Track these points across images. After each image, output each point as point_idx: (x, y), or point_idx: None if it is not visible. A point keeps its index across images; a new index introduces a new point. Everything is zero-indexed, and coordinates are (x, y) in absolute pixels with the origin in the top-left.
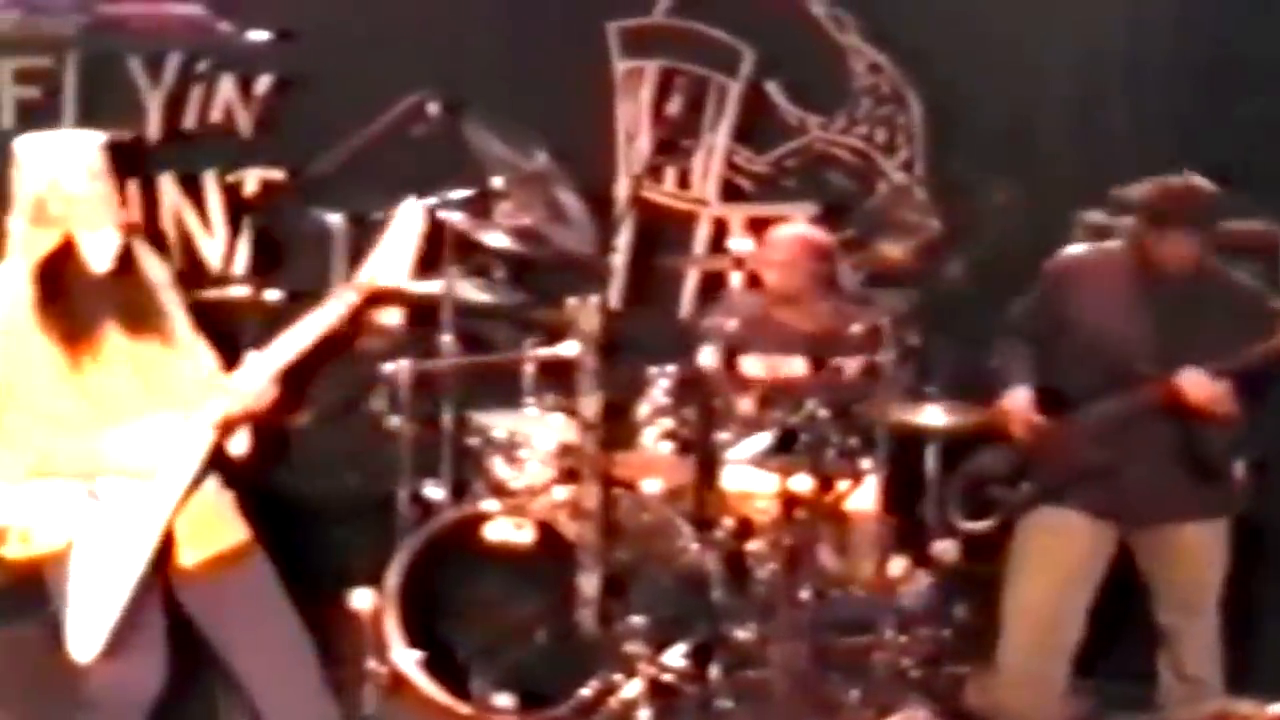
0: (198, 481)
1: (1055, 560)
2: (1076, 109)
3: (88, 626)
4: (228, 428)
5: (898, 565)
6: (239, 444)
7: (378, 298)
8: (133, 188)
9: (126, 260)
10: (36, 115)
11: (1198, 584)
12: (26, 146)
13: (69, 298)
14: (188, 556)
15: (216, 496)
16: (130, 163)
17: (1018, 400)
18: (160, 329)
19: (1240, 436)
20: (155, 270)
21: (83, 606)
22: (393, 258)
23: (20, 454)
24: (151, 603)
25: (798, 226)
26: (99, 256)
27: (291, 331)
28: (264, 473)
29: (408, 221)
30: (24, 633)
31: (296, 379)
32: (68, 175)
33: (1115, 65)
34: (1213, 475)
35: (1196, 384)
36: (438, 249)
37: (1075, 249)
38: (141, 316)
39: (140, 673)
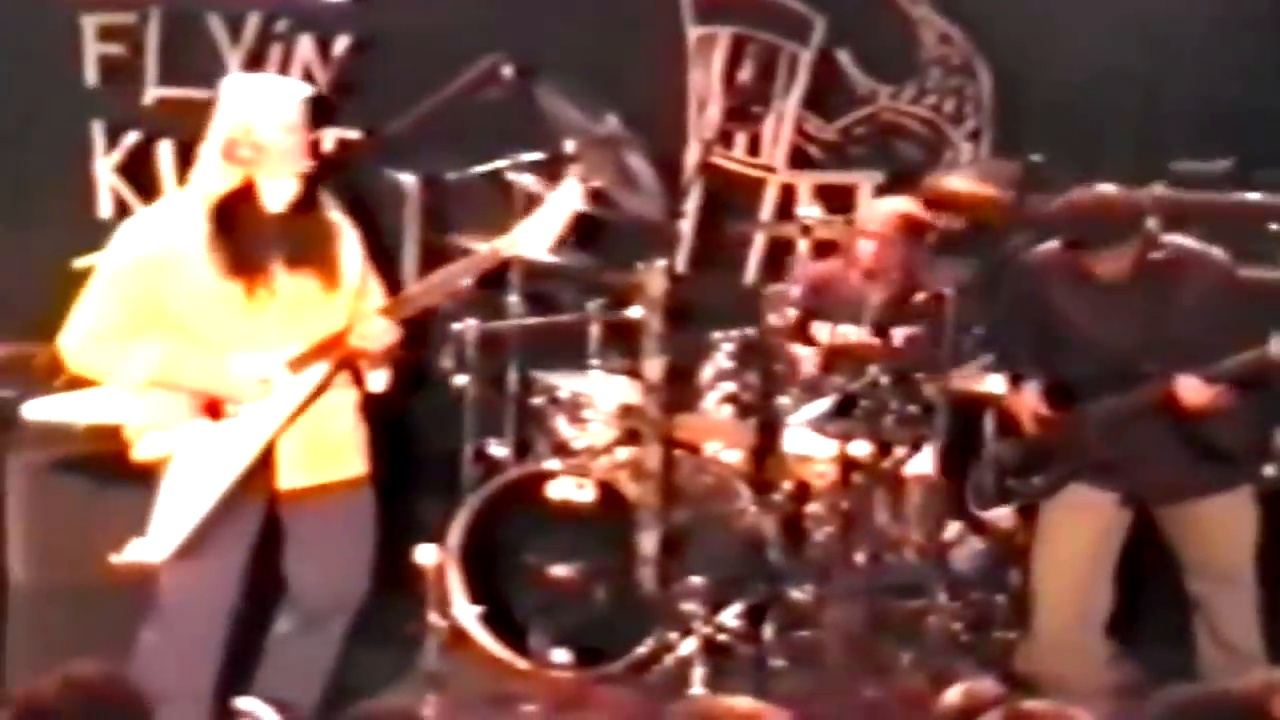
0: (303, 409)
1: (1076, 535)
2: (1145, 80)
3: (167, 530)
4: (354, 364)
5: (952, 530)
6: (378, 381)
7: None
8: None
9: (303, 204)
10: (119, 72)
11: (1224, 552)
12: (231, 85)
13: (240, 235)
14: (288, 480)
15: (348, 429)
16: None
17: (1028, 393)
18: (325, 272)
19: (1254, 417)
20: (335, 216)
21: (168, 511)
22: (541, 230)
23: (144, 358)
24: (237, 517)
25: (899, 201)
26: (275, 200)
27: (417, 286)
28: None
29: (566, 198)
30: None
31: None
32: (263, 123)
33: (1185, 38)
34: (1222, 452)
35: (1193, 390)
36: (508, 210)
37: (1044, 245)
38: (307, 259)
39: (207, 584)
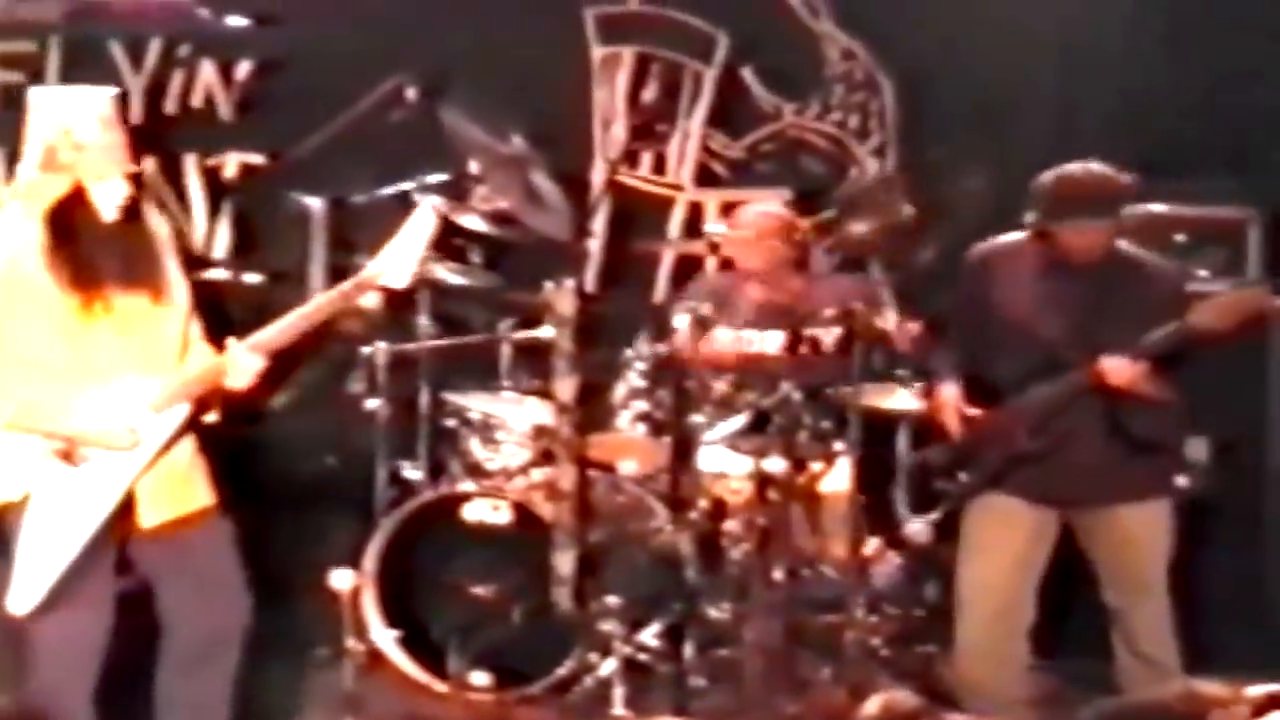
0: (165, 449)
1: (999, 545)
2: (1049, 94)
3: (30, 581)
4: (205, 403)
5: (870, 546)
6: (210, 414)
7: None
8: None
9: (132, 211)
10: (19, 99)
11: (1140, 564)
12: (40, 96)
13: (77, 244)
14: (149, 518)
15: (189, 461)
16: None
17: (948, 393)
18: (155, 284)
19: (1176, 417)
20: (158, 225)
21: (29, 561)
22: (401, 257)
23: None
24: (101, 562)
25: (764, 205)
26: (107, 205)
27: (282, 321)
28: (234, 441)
29: (421, 222)
30: None
31: (280, 361)
32: (80, 124)
33: (1088, 49)
34: (1148, 454)
35: (1117, 368)
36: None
37: (996, 240)
38: (139, 270)
39: (78, 631)
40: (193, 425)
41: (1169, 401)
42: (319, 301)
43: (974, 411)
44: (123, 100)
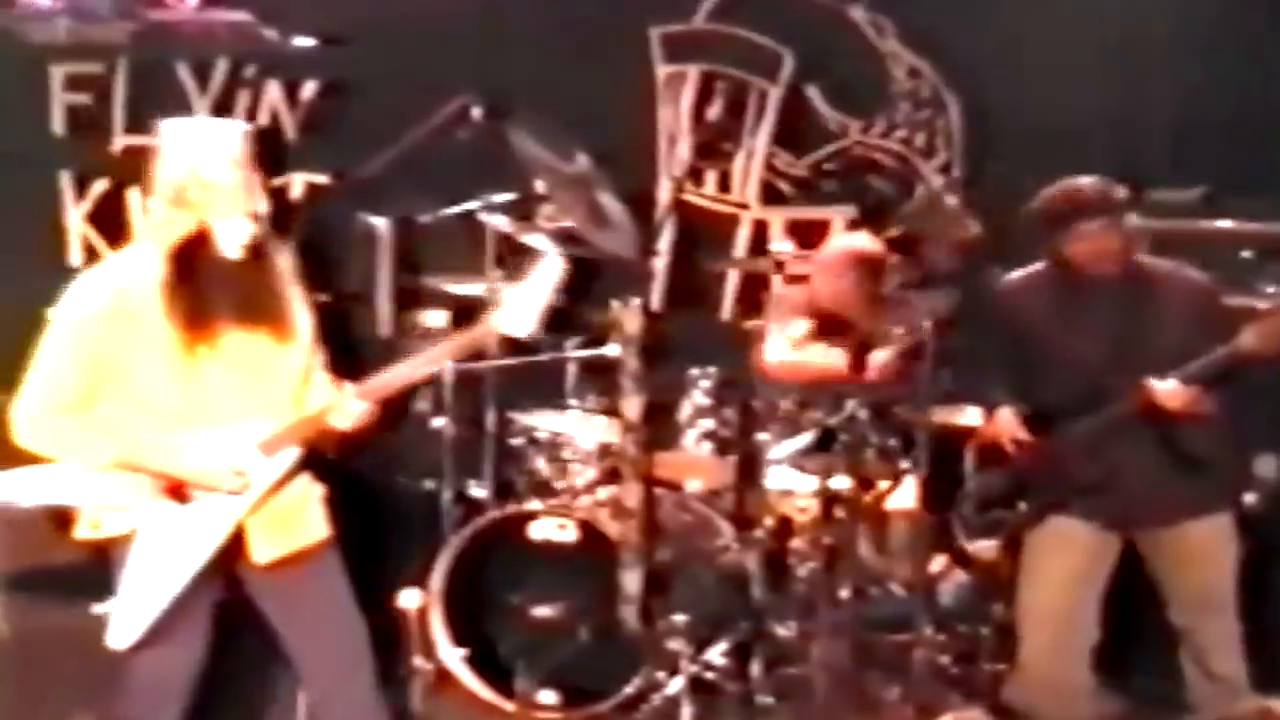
0: (273, 491)
1: (1060, 567)
2: (1115, 111)
3: (131, 615)
4: (315, 444)
5: (937, 563)
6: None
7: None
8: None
9: (258, 250)
10: (87, 121)
11: (1206, 582)
12: (170, 131)
13: (197, 282)
14: (262, 553)
15: (305, 490)
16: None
17: (1005, 420)
18: (279, 324)
19: (1232, 432)
20: (283, 259)
21: (131, 595)
22: (523, 307)
23: (110, 443)
24: (201, 599)
25: (855, 238)
26: (231, 244)
27: (399, 367)
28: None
29: (546, 272)
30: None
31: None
32: (209, 162)
33: (1155, 67)
34: (1205, 471)
35: (1170, 393)
36: (481, 251)
37: (1016, 272)
38: (260, 308)
39: (172, 667)
40: (303, 465)
41: (1219, 418)
42: (434, 351)
43: (1029, 438)
44: (260, 139)
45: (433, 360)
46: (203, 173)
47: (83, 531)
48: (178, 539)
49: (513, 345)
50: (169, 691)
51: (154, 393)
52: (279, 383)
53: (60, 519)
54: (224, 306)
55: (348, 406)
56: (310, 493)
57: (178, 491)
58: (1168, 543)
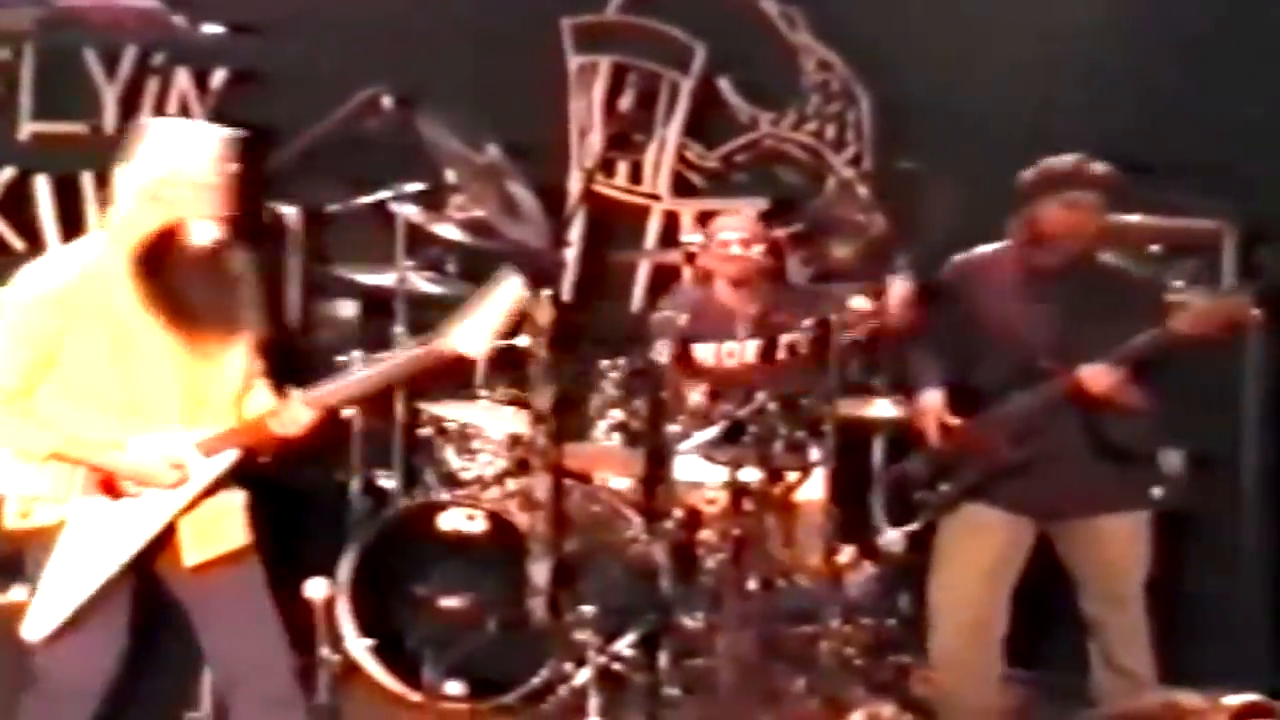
0: (208, 492)
1: (974, 556)
2: (1025, 104)
3: (48, 608)
4: (254, 450)
5: (844, 556)
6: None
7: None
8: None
9: (218, 251)
10: None
11: (1118, 575)
12: (155, 127)
13: (165, 278)
14: (191, 557)
15: (229, 497)
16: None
17: (930, 401)
18: (227, 324)
19: (1153, 427)
20: (242, 261)
21: (51, 587)
22: (478, 327)
23: (48, 434)
24: (120, 595)
25: (732, 216)
26: (199, 243)
27: (346, 378)
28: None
29: (505, 294)
30: None
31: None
32: (192, 163)
33: (1064, 59)
34: (1127, 464)
35: (1096, 375)
36: (390, 241)
37: (976, 250)
38: (214, 310)
39: (89, 661)
40: (238, 470)
41: (1147, 410)
42: (385, 366)
43: (955, 421)
44: (239, 142)
45: (384, 375)
46: (186, 172)
47: (10, 521)
48: (105, 534)
49: (422, 334)
50: (84, 688)
51: (95, 386)
52: (221, 384)
53: None
54: (188, 303)
55: (294, 414)
56: (234, 498)
57: (110, 486)
58: (1084, 535)
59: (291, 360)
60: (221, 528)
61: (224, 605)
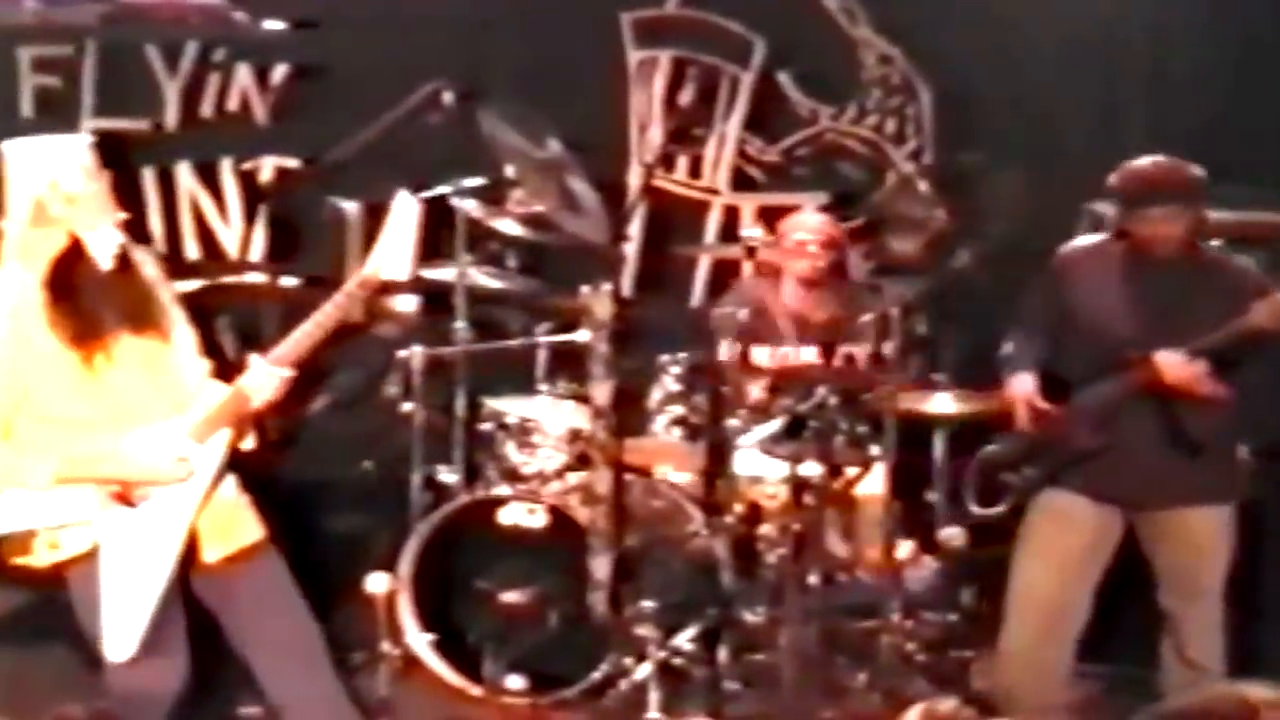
0: (218, 479)
1: (1059, 545)
2: (1089, 99)
3: (122, 628)
4: (240, 427)
5: (905, 550)
6: (246, 440)
7: (386, 288)
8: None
9: (125, 257)
10: (55, 104)
11: (1197, 569)
12: (16, 151)
13: (79, 297)
14: (210, 553)
15: (235, 495)
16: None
17: (1022, 386)
18: (160, 325)
19: (1236, 420)
20: (149, 266)
21: (116, 608)
22: (394, 251)
23: (44, 462)
24: (176, 602)
25: (810, 215)
26: (103, 254)
27: (299, 331)
28: (273, 465)
29: (403, 214)
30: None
31: (305, 372)
32: (65, 175)
33: (1130, 54)
34: (1201, 457)
35: (1173, 364)
36: (451, 236)
37: (1082, 240)
38: (143, 313)
39: (166, 672)
40: (236, 451)
41: (1227, 403)
42: (327, 307)
43: (1045, 406)
44: (96, 147)
45: (327, 317)
46: (63, 185)
47: (42, 556)
48: (141, 543)
49: (485, 330)
50: (160, 700)
51: (66, 408)
52: (178, 377)
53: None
54: (109, 314)
55: (265, 377)
56: (240, 496)
57: (124, 496)
58: (1167, 527)
59: (349, 355)
60: (234, 522)
61: (249, 603)
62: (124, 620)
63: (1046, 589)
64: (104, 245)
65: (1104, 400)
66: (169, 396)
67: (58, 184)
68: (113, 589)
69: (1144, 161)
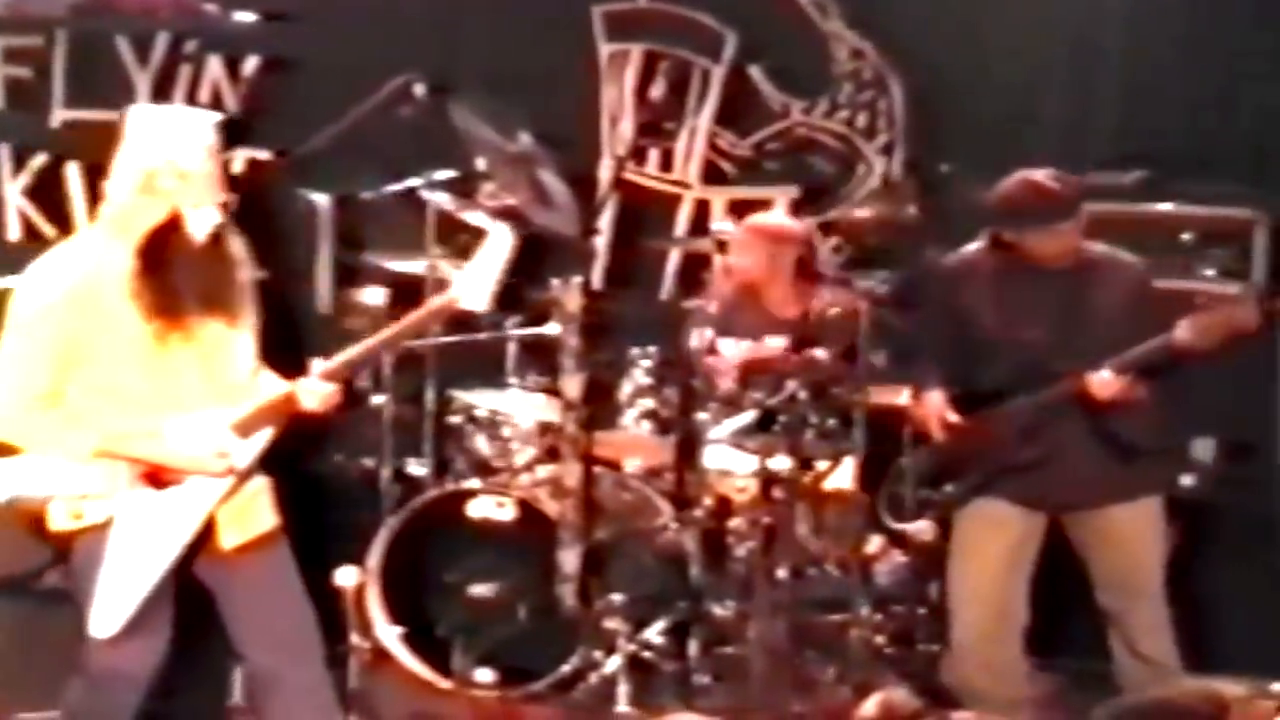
0: (248, 475)
1: (989, 549)
2: (1060, 93)
3: (111, 605)
4: (284, 427)
5: (874, 544)
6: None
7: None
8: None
9: (219, 237)
10: (26, 94)
11: (1133, 565)
12: (140, 117)
13: (168, 271)
14: (229, 539)
15: (258, 482)
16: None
17: (933, 401)
18: (234, 310)
19: (1163, 421)
20: (239, 249)
21: (112, 583)
22: (477, 280)
23: (89, 434)
24: (165, 587)
25: (768, 216)
26: (199, 231)
27: (359, 346)
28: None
29: (496, 245)
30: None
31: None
32: (183, 151)
33: (1100, 48)
34: (1135, 457)
35: (1103, 383)
36: (421, 228)
37: (960, 250)
38: (222, 296)
39: (145, 653)
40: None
41: (1153, 406)
42: (395, 328)
43: (957, 419)
44: (226, 125)
45: (392, 337)
46: (179, 162)
47: (61, 522)
48: (156, 525)
49: (454, 323)
50: (135, 680)
51: (121, 380)
52: (236, 367)
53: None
54: (190, 293)
55: (316, 387)
56: (261, 482)
57: (155, 477)
58: (1094, 525)
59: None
60: (254, 509)
61: (257, 590)
62: (116, 598)
63: (981, 589)
64: (202, 224)
65: (1030, 414)
66: (223, 383)
67: (175, 159)
68: (114, 566)
69: (1025, 177)
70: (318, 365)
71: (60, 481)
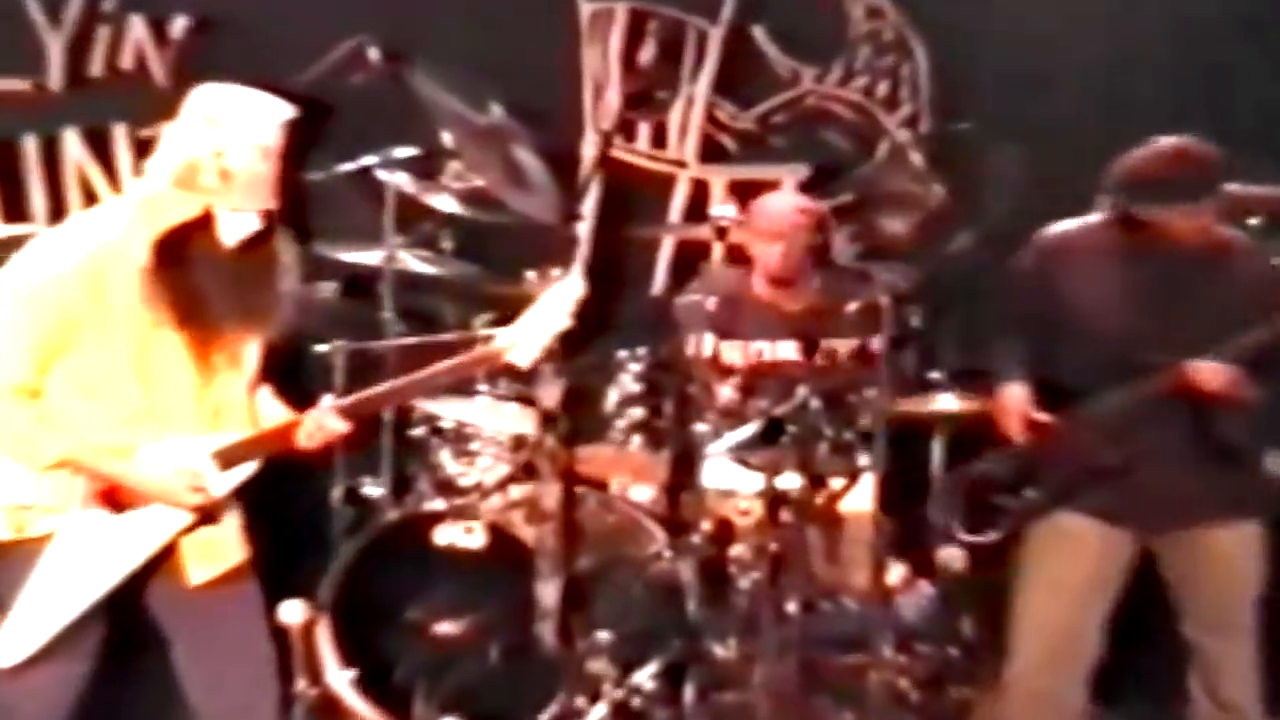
0: (217, 511)
1: (1067, 572)
2: (1099, 56)
3: (23, 632)
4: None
5: (896, 574)
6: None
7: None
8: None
9: (255, 243)
10: None
11: (1228, 596)
12: (202, 98)
13: (187, 272)
14: (197, 575)
15: (231, 513)
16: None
17: (1014, 397)
18: (254, 324)
19: (1262, 425)
20: (285, 257)
21: (29, 609)
22: (535, 331)
23: (59, 440)
24: (101, 614)
25: (788, 194)
26: (230, 235)
27: (390, 385)
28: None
29: (562, 296)
30: None
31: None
32: (234, 148)
33: (1145, 14)
34: (1236, 467)
35: (1209, 373)
36: (378, 214)
37: (1067, 223)
38: (242, 308)
39: (52, 688)
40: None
41: (1257, 407)
42: (427, 371)
43: (1042, 417)
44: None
45: (426, 382)
46: (227, 159)
47: (1, 533)
48: (98, 551)
49: (414, 323)
50: (52, 710)
51: (107, 381)
52: (237, 387)
53: None
54: (215, 300)
55: (325, 424)
56: (234, 513)
57: (113, 498)
58: (1189, 547)
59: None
60: (223, 541)
61: (221, 625)
62: (29, 624)
63: (1054, 621)
64: (237, 228)
65: (1123, 410)
66: (219, 401)
67: (223, 154)
68: (38, 588)
69: (1161, 147)
70: (329, 399)
71: (8, 488)
